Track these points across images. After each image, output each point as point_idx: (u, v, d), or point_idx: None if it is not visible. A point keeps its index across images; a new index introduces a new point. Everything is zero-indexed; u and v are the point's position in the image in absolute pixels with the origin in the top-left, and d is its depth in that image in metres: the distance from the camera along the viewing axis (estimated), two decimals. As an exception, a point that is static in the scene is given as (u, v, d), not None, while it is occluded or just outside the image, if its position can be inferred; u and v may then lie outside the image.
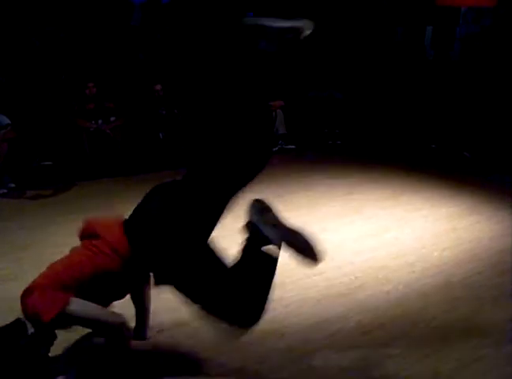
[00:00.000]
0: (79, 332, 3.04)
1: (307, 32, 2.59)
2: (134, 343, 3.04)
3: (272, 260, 2.89)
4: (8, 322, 3.42)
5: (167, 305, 3.62)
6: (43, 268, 2.86)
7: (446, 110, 8.14)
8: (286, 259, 4.36)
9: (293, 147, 8.68)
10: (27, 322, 2.71)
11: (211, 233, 2.77)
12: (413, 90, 8.72)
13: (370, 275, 4.16)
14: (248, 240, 2.95)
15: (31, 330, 2.71)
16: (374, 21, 9.58)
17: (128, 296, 3.05)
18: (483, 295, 3.88)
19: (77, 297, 2.64)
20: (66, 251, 2.89)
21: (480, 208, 5.71)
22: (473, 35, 9.11)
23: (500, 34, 8.09)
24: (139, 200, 2.88)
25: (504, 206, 5.74)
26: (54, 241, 4.74)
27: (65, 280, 2.67)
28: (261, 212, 2.95)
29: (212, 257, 2.77)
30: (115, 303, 2.89)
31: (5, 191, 6.34)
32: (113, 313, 2.78)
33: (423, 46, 9.36)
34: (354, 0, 9.61)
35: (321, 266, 4.24)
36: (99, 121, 7.53)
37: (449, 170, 7.28)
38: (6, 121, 6.35)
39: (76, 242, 2.89)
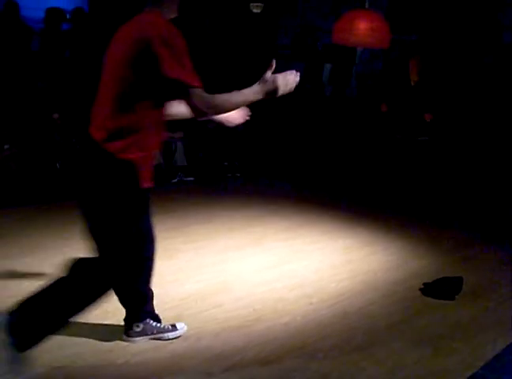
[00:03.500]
0: None
1: None
2: None
3: None
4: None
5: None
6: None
7: (341, 146, 8.40)
8: (184, 293, 4.33)
9: (192, 179, 8.62)
10: None
11: None
12: (311, 125, 8.93)
13: (269, 307, 4.16)
14: None
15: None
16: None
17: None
18: (379, 324, 3.98)
19: None
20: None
21: (376, 240, 5.87)
22: (367, 75, 9.55)
23: (390, 74, 8.49)
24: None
25: (400, 236, 5.96)
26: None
27: None
28: None
29: None
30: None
31: None
32: None
33: (321, 82, 9.69)
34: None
35: (219, 298, 4.25)
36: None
37: (346, 204, 7.43)
38: None
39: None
